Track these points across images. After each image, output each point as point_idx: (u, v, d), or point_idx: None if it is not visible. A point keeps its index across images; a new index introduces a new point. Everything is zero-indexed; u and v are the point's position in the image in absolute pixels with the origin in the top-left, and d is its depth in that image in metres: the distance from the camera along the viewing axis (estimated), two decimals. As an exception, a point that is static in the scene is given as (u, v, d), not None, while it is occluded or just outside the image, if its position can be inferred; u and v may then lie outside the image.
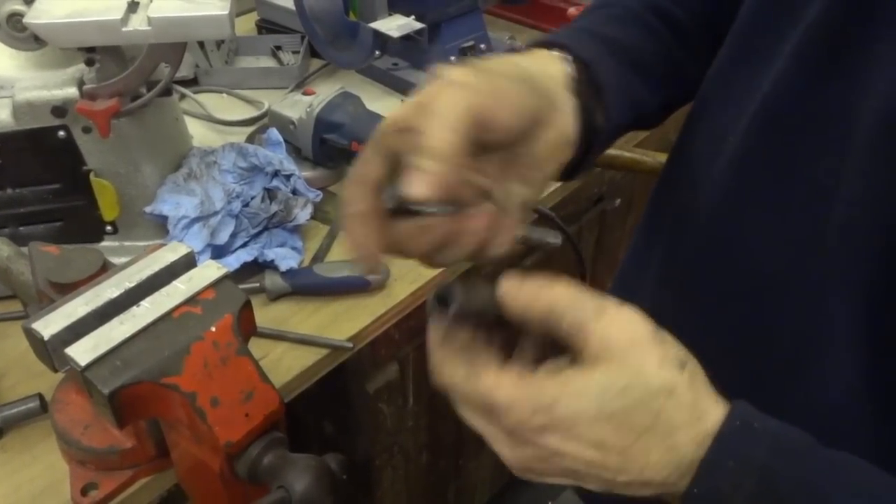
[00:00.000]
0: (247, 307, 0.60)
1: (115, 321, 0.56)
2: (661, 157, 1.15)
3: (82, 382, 0.54)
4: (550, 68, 0.50)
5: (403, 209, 0.44)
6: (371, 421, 1.09)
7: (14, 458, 0.75)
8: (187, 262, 0.62)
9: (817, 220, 0.47)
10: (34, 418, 0.77)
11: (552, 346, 0.44)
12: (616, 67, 0.54)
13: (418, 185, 0.40)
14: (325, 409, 1.11)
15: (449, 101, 0.42)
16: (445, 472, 1.39)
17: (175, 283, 0.60)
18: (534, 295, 0.42)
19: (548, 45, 0.53)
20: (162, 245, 0.64)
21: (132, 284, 0.60)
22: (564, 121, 0.48)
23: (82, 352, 0.54)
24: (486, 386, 0.41)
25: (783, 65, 0.49)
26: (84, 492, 0.69)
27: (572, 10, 1.30)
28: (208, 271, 0.61)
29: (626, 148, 1.14)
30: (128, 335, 0.55)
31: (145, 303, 0.58)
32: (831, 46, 0.46)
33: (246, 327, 0.60)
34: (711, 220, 0.55)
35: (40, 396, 0.76)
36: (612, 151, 1.13)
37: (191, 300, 0.59)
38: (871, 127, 0.44)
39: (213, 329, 0.57)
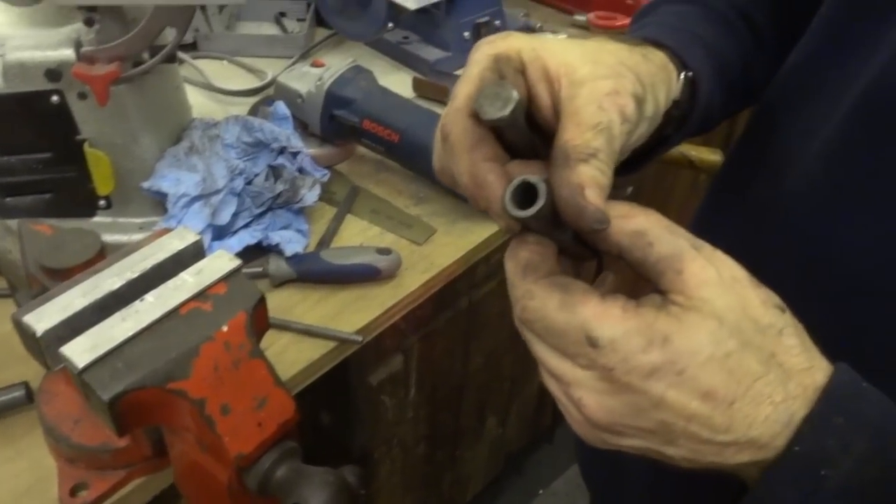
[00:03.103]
0: (261, 304, 0.55)
1: (116, 317, 0.51)
2: (682, 148, 1.10)
3: (79, 386, 0.49)
4: (670, 91, 0.46)
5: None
6: (371, 413, 1.04)
7: (-4, 450, 0.69)
8: (196, 252, 0.57)
9: None
10: (19, 408, 0.71)
11: (634, 287, 0.40)
12: (711, 83, 0.50)
13: (598, 197, 0.36)
14: (323, 399, 1.07)
15: (622, 140, 0.39)
16: (442, 462, 1.35)
17: (183, 274, 0.54)
18: (625, 213, 0.38)
19: (665, 47, 0.49)
20: (166, 230, 0.58)
21: (135, 275, 0.54)
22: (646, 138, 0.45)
23: (80, 351, 0.48)
24: (586, 317, 0.36)
25: (889, 52, 0.44)
26: (73, 492, 0.64)
27: (594, -11, 1.24)
28: (219, 262, 0.55)
29: (649, 137, 1.09)
30: (130, 333, 0.50)
31: (149, 296, 0.52)
32: None
33: (259, 326, 0.55)
34: (795, 219, 0.51)
35: (26, 385, 0.71)
36: (633, 140, 1.08)
37: (200, 295, 0.53)
38: None
39: (225, 328, 0.52)
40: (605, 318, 0.36)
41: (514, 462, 1.73)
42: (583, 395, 0.37)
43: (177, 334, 0.51)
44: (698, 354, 0.35)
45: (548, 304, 0.38)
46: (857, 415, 0.35)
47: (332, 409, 1.06)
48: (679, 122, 0.50)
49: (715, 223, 0.65)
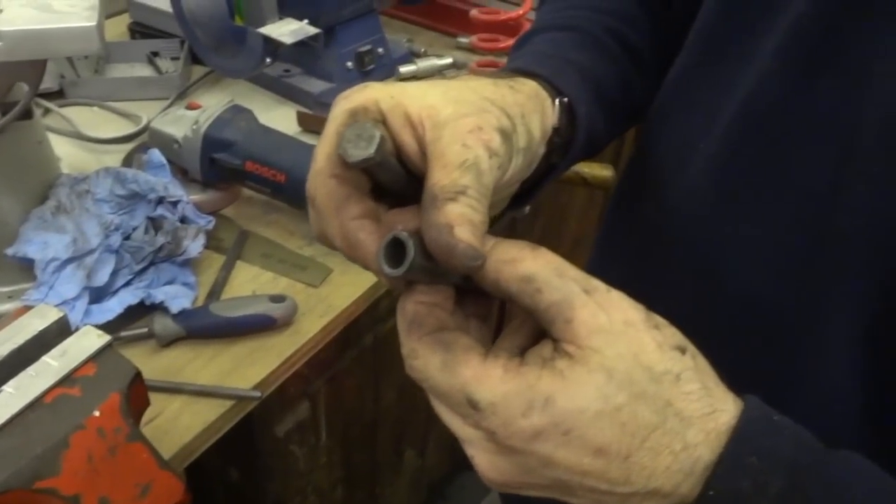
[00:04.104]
0: (136, 381, 0.51)
1: (-30, 414, 0.46)
2: (575, 166, 1.10)
3: (-71, 498, 0.43)
4: (545, 118, 0.45)
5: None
6: (281, 465, 1.00)
7: None
8: (59, 330, 0.52)
9: (814, 233, 0.43)
10: None
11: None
12: (591, 107, 0.49)
13: (469, 234, 0.34)
14: (230, 454, 1.01)
15: (491, 175, 0.37)
16: (362, 503, 1.31)
17: (45, 358, 0.49)
18: (513, 257, 0.36)
19: (538, 76, 0.47)
20: (25, 309, 0.53)
21: (-9, 364, 0.49)
22: (528, 176, 0.44)
23: (-72, 460, 0.43)
24: (466, 379, 0.35)
25: (765, 65, 0.45)
26: None
27: (474, 12, 1.24)
28: (86, 340, 0.51)
29: (539, 156, 1.09)
30: (-12, 432, 0.45)
31: (8, 387, 0.47)
32: (822, 42, 0.42)
33: (137, 405, 0.51)
34: (683, 236, 0.51)
35: None
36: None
37: (66, 379, 0.49)
38: (880, 127, 0.40)
39: (97, 414, 0.47)
40: (485, 380, 0.35)
41: (436, 491, 1.70)
42: (474, 454, 0.37)
43: (42, 426, 0.46)
44: (585, 412, 0.34)
45: (430, 364, 0.36)
46: (770, 452, 0.35)
47: (239, 464, 1.02)
48: (563, 148, 0.49)
49: (613, 244, 0.65)
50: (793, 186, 0.44)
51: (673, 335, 0.37)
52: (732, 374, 0.38)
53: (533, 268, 0.36)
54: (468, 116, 0.37)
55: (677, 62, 0.54)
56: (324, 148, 0.38)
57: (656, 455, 0.34)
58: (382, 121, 0.38)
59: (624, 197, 0.63)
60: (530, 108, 0.43)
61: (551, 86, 0.47)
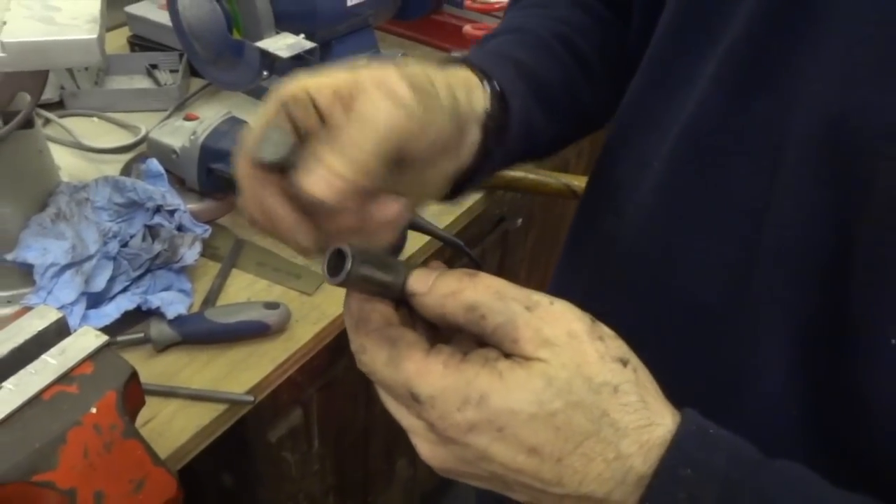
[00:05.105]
0: (132, 380, 0.52)
1: (-29, 410, 0.48)
2: (565, 178, 1.12)
3: (-69, 489, 0.45)
4: (473, 98, 0.47)
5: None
6: (274, 471, 1.01)
7: None
8: (59, 330, 0.54)
9: (749, 245, 0.45)
10: None
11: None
12: (524, 95, 0.51)
13: (321, 187, 0.36)
14: (223, 459, 1.03)
15: (384, 118, 0.38)
16: (353, 511, 1.33)
17: (44, 356, 0.51)
18: (454, 289, 0.38)
19: (469, 65, 0.49)
20: (26, 309, 0.55)
21: (-9, 362, 0.51)
22: (465, 155, 0.46)
23: (-70, 452, 0.45)
24: (409, 373, 0.37)
25: (704, 86, 0.47)
26: None
27: (468, 28, 1.26)
28: (84, 340, 0.52)
29: (530, 170, 1.11)
30: (-12, 426, 0.47)
31: (8, 384, 0.49)
32: (753, 64, 0.44)
33: (132, 403, 0.52)
34: (638, 248, 0.53)
35: None
36: (515, 174, 1.10)
37: (64, 377, 0.50)
38: (800, 145, 0.41)
39: (94, 410, 0.49)
40: (426, 374, 0.36)
41: (429, 501, 1.71)
42: (417, 443, 0.39)
43: (40, 422, 0.48)
44: (519, 414, 0.36)
45: (376, 359, 0.38)
46: (704, 465, 0.36)
47: (232, 469, 1.03)
48: (497, 134, 0.49)
49: (577, 253, 0.66)
50: (730, 203, 0.46)
51: (617, 347, 0.38)
52: (681, 381, 0.39)
53: (474, 296, 0.37)
54: (376, 71, 0.39)
55: (633, 84, 0.56)
56: (251, 136, 0.40)
57: (589, 461, 0.36)
58: (313, 103, 0.40)
59: (587, 209, 0.65)
60: (457, 81, 0.45)
61: (484, 75, 0.49)
